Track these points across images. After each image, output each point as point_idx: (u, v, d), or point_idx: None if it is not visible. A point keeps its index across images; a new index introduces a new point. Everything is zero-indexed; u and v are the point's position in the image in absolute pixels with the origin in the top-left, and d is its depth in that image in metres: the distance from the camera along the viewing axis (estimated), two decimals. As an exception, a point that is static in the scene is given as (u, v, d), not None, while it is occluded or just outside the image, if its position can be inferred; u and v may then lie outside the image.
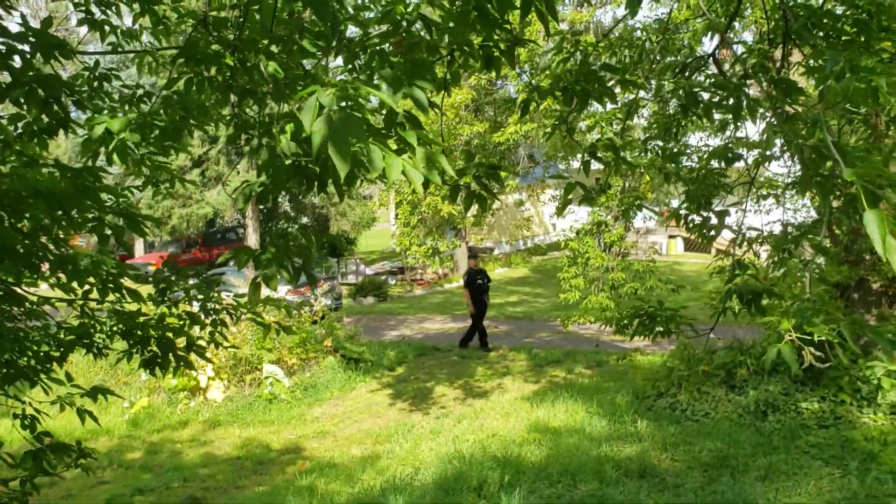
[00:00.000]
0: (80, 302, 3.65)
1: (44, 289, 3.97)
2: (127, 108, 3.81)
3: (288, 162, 2.33)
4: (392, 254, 30.69)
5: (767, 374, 7.59)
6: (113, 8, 3.98)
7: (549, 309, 17.60)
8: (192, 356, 3.83)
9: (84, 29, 4.05)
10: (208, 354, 3.97)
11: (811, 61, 4.32)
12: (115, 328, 3.73)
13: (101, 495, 7.79)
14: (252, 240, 24.53)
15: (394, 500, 6.18)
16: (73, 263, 3.18)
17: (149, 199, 21.69)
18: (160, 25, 4.04)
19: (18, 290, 3.51)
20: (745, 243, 4.94)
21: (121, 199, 3.41)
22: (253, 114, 3.61)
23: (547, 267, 25.24)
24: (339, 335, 12.81)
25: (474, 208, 3.17)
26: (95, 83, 3.87)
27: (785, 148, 4.33)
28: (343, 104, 1.96)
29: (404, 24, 2.89)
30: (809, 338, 3.02)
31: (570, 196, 3.94)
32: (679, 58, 6.05)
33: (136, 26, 4.29)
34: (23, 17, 3.05)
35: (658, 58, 5.52)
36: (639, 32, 5.54)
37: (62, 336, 3.73)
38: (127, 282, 3.51)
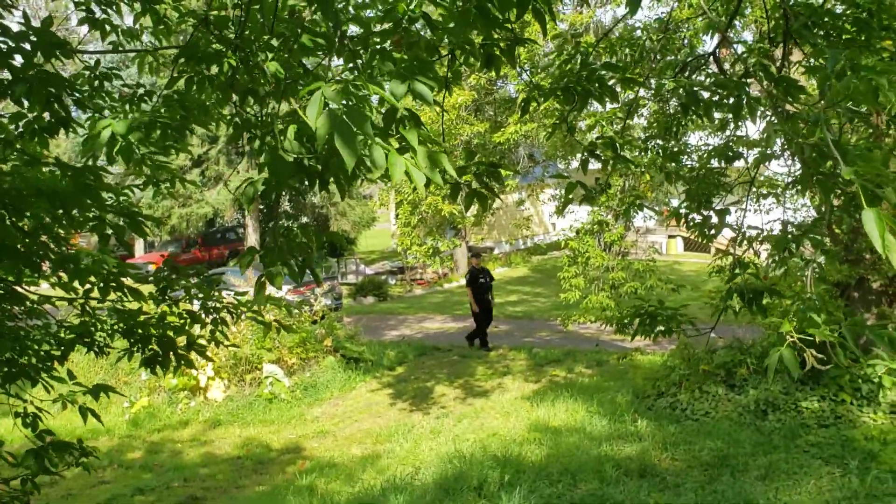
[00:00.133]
0: (81, 301, 3.65)
1: (44, 288, 3.97)
2: (128, 107, 3.81)
3: (290, 159, 2.33)
4: (392, 253, 30.69)
5: (768, 371, 7.59)
6: (113, 7, 3.98)
7: (549, 308, 17.60)
8: (193, 355, 3.83)
9: (84, 28, 4.04)
10: (208, 353, 3.98)
11: (811, 60, 4.32)
12: (115, 327, 3.74)
13: (101, 495, 7.80)
14: (252, 239, 24.54)
15: (394, 499, 6.18)
16: (75, 262, 3.18)
17: (149, 199, 21.68)
18: (161, 25, 4.04)
19: (19, 289, 3.51)
20: (746, 242, 4.94)
21: (121, 198, 3.42)
22: (254, 113, 3.61)
23: (547, 266, 25.24)
24: (339, 335, 12.81)
25: (475, 207, 3.17)
26: (96, 82, 3.87)
27: (785, 147, 4.34)
28: (347, 100, 1.97)
29: (406, 21, 2.89)
30: (811, 338, 3.03)
31: (570, 196, 3.95)
32: (679, 57, 6.06)
33: (137, 26, 4.30)
34: (25, 15, 3.05)
35: (658, 57, 5.52)
36: (639, 32, 5.55)
37: (63, 335, 3.74)
38: (128, 281, 3.52)
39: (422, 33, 3.03)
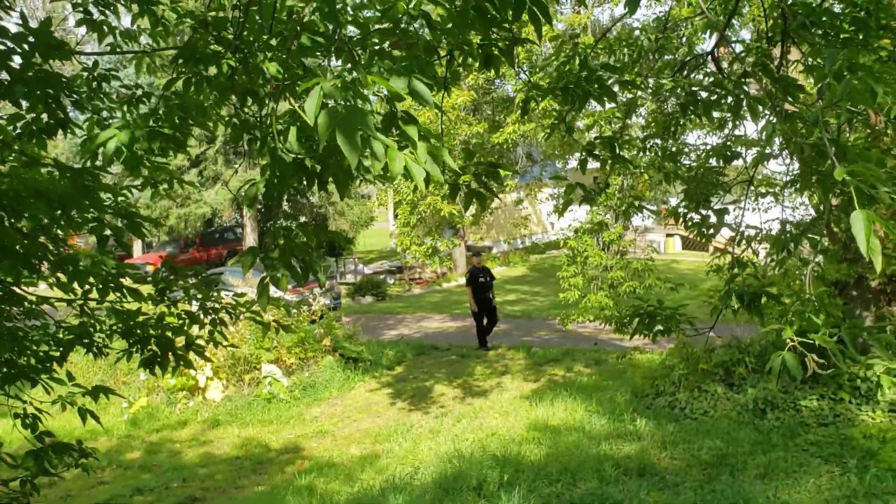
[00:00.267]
0: (80, 301, 3.65)
1: (42, 288, 3.97)
2: (126, 108, 3.81)
3: (289, 159, 2.33)
4: (391, 253, 30.69)
5: (771, 375, 7.59)
6: (111, 8, 3.97)
7: (547, 307, 17.60)
8: (191, 355, 3.84)
9: (83, 29, 4.03)
10: (207, 353, 3.98)
11: (810, 60, 4.32)
12: (114, 327, 3.74)
13: (100, 495, 7.79)
14: (250, 239, 24.49)
15: (393, 499, 6.18)
16: (73, 263, 3.18)
17: (147, 200, 21.66)
18: (159, 26, 4.04)
19: (18, 290, 3.51)
20: (744, 241, 4.95)
21: (120, 199, 3.41)
22: (253, 114, 3.61)
23: (545, 265, 25.24)
24: (337, 334, 12.81)
25: (473, 207, 3.18)
26: (94, 84, 3.87)
27: (784, 146, 4.34)
28: (346, 96, 1.97)
29: (405, 21, 2.88)
30: (811, 342, 3.03)
31: (570, 197, 3.95)
32: (678, 56, 6.06)
33: (135, 27, 4.29)
34: (23, 16, 3.04)
35: (656, 56, 5.52)
36: (637, 32, 5.55)
37: (62, 335, 3.73)
38: (127, 281, 3.51)
39: (420, 34, 3.02)
